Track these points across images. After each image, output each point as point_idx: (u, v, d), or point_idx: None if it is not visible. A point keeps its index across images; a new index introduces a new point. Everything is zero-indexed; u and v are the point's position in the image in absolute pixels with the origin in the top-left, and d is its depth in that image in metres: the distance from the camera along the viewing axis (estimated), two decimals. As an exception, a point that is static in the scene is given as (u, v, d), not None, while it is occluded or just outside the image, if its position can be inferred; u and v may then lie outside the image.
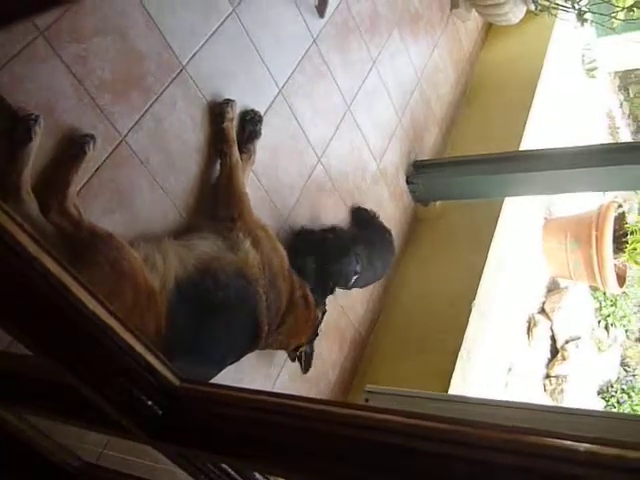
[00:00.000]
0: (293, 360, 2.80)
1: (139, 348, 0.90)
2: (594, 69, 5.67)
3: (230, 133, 2.52)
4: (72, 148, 2.03)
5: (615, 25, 4.16)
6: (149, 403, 0.93)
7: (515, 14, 4.36)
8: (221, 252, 2.28)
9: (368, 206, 3.45)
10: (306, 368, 2.82)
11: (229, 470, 1.05)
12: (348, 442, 0.83)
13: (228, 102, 2.54)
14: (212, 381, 2.21)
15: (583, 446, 0.66)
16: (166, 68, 2.36)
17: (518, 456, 0.70)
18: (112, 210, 2.17)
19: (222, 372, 2.30)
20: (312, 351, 2.81)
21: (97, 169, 2.12)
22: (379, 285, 3.58)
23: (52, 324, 0.86)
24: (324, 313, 2.82)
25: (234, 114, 2.56)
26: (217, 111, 2.52)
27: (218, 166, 2.51)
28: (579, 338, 5.26)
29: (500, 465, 0.71)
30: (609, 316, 5.78)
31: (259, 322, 2.34)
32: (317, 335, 2.79)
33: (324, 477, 0.85)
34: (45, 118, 1.96)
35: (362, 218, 3.33)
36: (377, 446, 0.80)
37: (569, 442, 0.67)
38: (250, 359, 2.58)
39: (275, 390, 2.87)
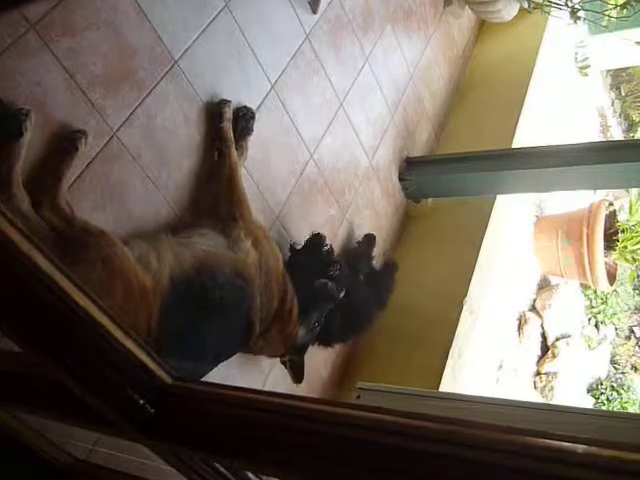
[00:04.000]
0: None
1: (131, 346, 0.90)
2: (586, 67, 5.68)
3: (229, 133, 2.52)
4: (63, 143, 2.01)
5: (608, 23, 4.16)
6: (141, 401, 0.92)
7: (508, 11, 4.36)
8: (221, 250, 2.27)
9: (360, 203, 3.46)
10: (297, 379, 2.71)
11: (221, 469, 1.05)
12: (342, 441, 0.83)
13: (225, 102, 2.55)
14: (204, 379, 2.20)
15: (581, 447, 0.66)
16: (158, 63, 2.34)
17: (515, 457, 0.70)
18: (103, 206, 2.16)
19: (214, 368, 2.30)
20: (302, 363, 2.71)
21: (88, 164, 2.11)
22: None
23: (42, 321, 0.85)
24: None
25: (231, 114, 2.56)
26: (215, 111, 2.52)
27: (211, 162, 2.50)
28: (569, 336, 5.29)
29: (497, 466, 0.70)
30: (599, 314, 5.80)
31: (252, 322, 2.33)
32: (306, 349, 2.74)
33: (317, 477, 0.85)
34: (36, 113, 1.94)
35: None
36: (372, 446, 0.80)
37: (567, 443, 0.67)
38: (242, 354, 2.58)
39: (267, 387, 2.86)
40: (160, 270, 2.04)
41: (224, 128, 2.51)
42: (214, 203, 2.44)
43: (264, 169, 2.82)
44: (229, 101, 2.56)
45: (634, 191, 5.49)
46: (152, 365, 0.94)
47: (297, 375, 2.72)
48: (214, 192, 2.46)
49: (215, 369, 2.30)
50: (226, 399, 0.97)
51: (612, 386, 5.66)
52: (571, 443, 0.67)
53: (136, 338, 0.91)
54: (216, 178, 2.47)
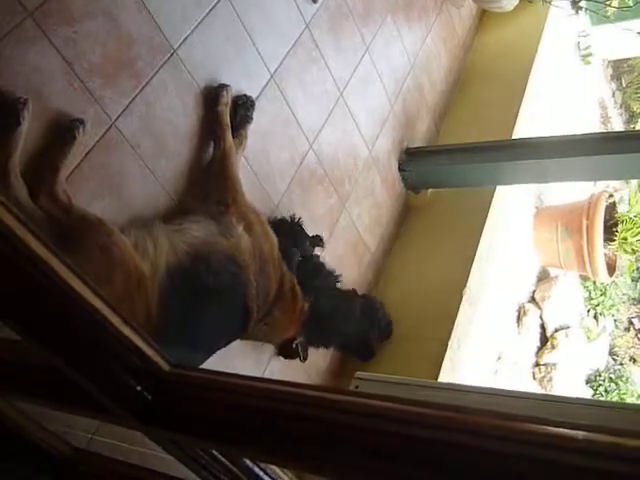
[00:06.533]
0: (285, 356, 2.81)
1: (128, 332, 0.89)
2: (589, 55, 5.66)
3: (225, 117, 2.51)
4: (62, 133, 2.01)
5: (609, 13, 4.15)
6: (138, 388, 0.92)
7: (509, 1, 4.35)
8: (213, 237, 2.27)
9: (360, 193, 3.45)
10: (305, 357, 2.80)
11: (219, 456, 1.04)
12: (341, 429, 0.82)
13: (223, 87, 2.54)
14: (202, 366, 2.20)
15: (581, 434, 0.66)
16: (157, 52, 2.33)
17: (515, 444, 0.69)
18: (102, 195, 2.15)
19: (212, 358, 2.30)
20: (305, 341, 2.79)
21: (87, 154, 2.10)
22: (369, 272, 3.58)
23: (38, 307, 0.85)
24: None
25: (229, 99, 2.55)
26: (212, 95, 2.51)
27: (210, 151, 2.50)
28: (568, 327, 5.29)
29: (497, 453, 0.70)
30: (598, 305, 5.80)
31: (249, 308, 2.33)
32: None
33: (315, 464, 0.85)
34: (34, 102, 1.93)
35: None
36: (371, 432, 0.80)
37: (567, 430, 0.67)
38: (241, 345, 2.58)
39: (265, 377, 2.86)
40: (157, 258, 2.05)
41: (220, 112, 2.49)
42: (208, 189, 2.44)
43: (263, 159, 2.81)
44: (227, 85, 2.55)
45: (634, 182, 5.49)
46: (149, 352, 0.93)
47: (305, 353, 2.80)
48: (207, 178, 2.46)
49: (213, 359, 2.30)
50: (223, 386, 0.96)
51: (610, 377, 5.67)
52: (571, 430, 0.67)
53: (133, 324, 0.91)
54: (211, 164, 2.47)
